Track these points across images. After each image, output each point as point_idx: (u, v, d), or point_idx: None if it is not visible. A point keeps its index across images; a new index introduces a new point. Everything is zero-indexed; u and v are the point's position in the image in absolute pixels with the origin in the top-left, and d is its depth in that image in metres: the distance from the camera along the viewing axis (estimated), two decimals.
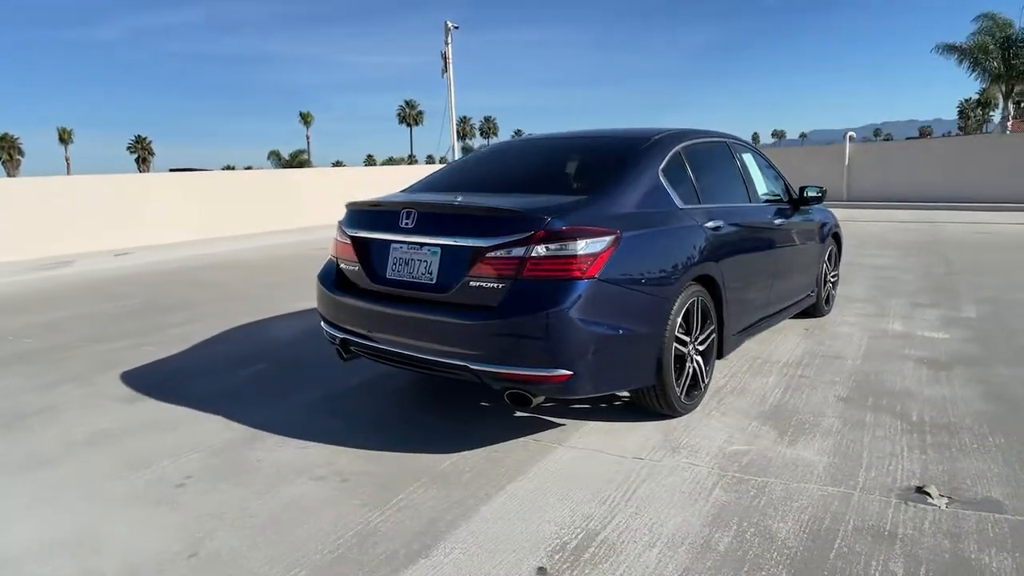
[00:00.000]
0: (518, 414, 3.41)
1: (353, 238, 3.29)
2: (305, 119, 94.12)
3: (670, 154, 3.48)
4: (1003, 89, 27.18)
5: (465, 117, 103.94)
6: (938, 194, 16.31)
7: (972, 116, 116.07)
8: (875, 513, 2.38)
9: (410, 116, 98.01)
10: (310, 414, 3.52)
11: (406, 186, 3.97)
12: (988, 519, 2.32)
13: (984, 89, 28.94)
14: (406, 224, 3.02)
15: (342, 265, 3.39)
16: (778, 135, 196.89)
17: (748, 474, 2.70)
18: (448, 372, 2.94)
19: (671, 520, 2.37)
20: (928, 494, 2.49)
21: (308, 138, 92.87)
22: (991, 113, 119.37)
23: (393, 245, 3.11)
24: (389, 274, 3.11)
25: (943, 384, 3.71)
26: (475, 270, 2.79)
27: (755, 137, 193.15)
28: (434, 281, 2.94)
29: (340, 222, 3.46)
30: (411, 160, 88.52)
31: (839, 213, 6.44)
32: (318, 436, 3.19)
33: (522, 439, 3.10)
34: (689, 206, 3.40)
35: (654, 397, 3.12)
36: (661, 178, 3.32)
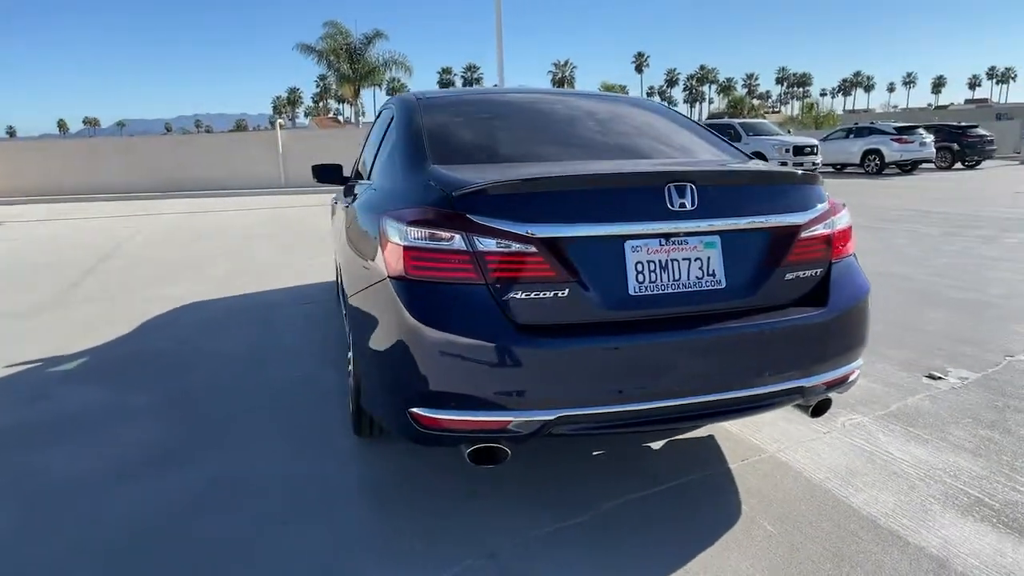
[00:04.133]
0: (655, 446, 2.57)
1: (548, 241, 1.80)
2: None
3: None
4: (353, 88, 31.82)
5: None
6: None
7: (283, 111, 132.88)
8: None
9: None
10: None
11: None
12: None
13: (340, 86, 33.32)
14: (680, 205, 1.89)
15: (514, 295, 1.80)
16: (91, 123, 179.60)
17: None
18: (762, 405, 2.04)
19: None
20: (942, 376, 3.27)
21: None
22: (297, 110, 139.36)
23: (630, 243, 1.88)
24: (635, 289, 1.88)
25: None
26: (792, 256, 2.04)
27: (62, 125, 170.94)
28: (723, 284, 1.95)
29: (464, 213, 1.80)
30: None
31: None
32: None
33: (736, 466, 2.41)
34: None
35: None
36: None
